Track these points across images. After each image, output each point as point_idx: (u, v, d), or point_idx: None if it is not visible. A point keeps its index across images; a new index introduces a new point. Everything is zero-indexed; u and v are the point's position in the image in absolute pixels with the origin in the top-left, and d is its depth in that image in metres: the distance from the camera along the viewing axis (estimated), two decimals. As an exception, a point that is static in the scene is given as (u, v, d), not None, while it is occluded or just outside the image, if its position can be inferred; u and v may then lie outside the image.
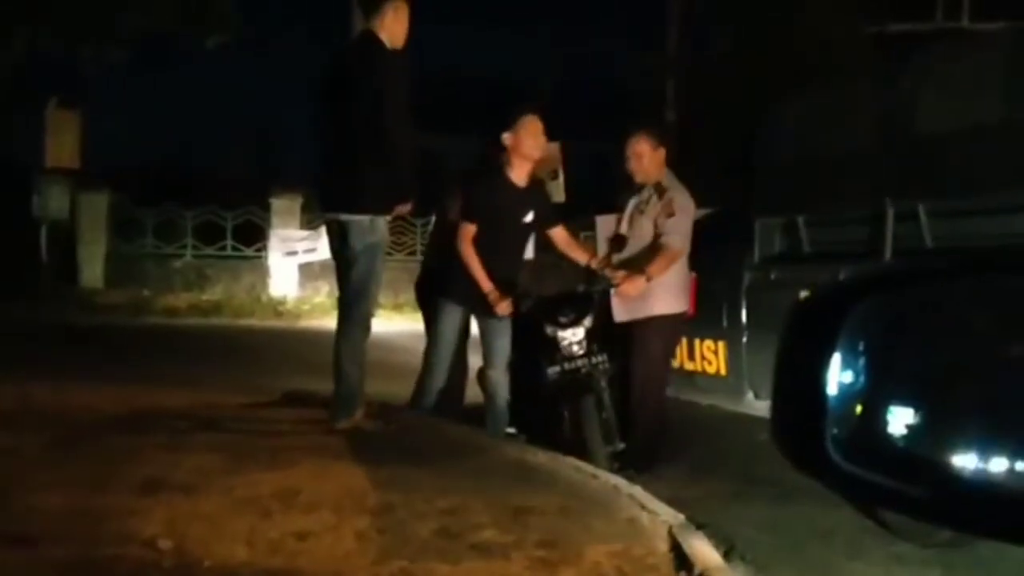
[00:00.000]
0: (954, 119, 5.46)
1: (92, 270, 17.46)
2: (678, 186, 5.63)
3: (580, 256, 5.79)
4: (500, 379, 5.46)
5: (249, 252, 18.17)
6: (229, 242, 18.07)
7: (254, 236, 18.14)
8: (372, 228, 4.97)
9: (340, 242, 5.09)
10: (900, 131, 5.76)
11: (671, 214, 5.46)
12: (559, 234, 5.74)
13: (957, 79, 5.44)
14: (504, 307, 5.37)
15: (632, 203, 5.63)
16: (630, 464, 5.17)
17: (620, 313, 5.51)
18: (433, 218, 7.20)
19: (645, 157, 5.55)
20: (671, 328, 5.58)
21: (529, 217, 5.54)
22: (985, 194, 4.79)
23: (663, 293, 5.44)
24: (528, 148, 5.44)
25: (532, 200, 5.56)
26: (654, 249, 5.45)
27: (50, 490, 3.73)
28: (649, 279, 5.32)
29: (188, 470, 4.12)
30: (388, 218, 5.12)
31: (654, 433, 5.50)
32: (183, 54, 17.13)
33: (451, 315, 5.51)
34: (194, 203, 18.07)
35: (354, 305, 5.06)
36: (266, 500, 3.71)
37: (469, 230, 5.40)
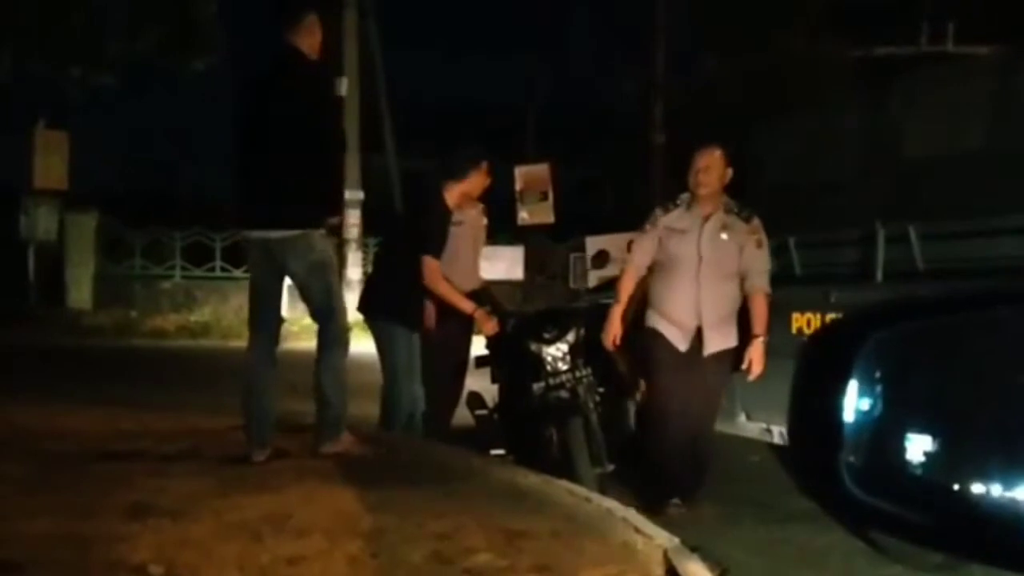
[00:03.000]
0: (942, 143, 5.50)
1: (79, 291, 17.36)
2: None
3: None
4: (421, 394, 5.58)
5: (238, 273, 18.06)
6: (218, 263, 18.00)
7: (243, 257, 17.99)
8: (309, 246, 4.85)
9: (268, 263, 4.92)
10: (889, 154, 5.79)
11: (759, 244, 5.11)
12: None
13: (945, 104, 5.49)
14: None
15: (710, 225, 5.09)
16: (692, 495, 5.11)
17: (713, 344, 5.08)
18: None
19: (717, 171, 5.08)
20: (735, 358, 5.16)
21: None
22: (974, 217, 4.82)
23: (735, 324, 5.14)
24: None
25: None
26: (754, 297, 5.07)
27: (37, 516, 3.68)
28: (766, 339, 5.01)
29: (177, 495, 4.07)
30: (322, 232, 4.95)
31: (709, 462, 5.28)
32: (170, 76, 17.10)
33: (403, 337, 5.52)
34: (183, 224, 18.02)
35: (325, 326, 4.97)
36: (256, 524, 3.67)
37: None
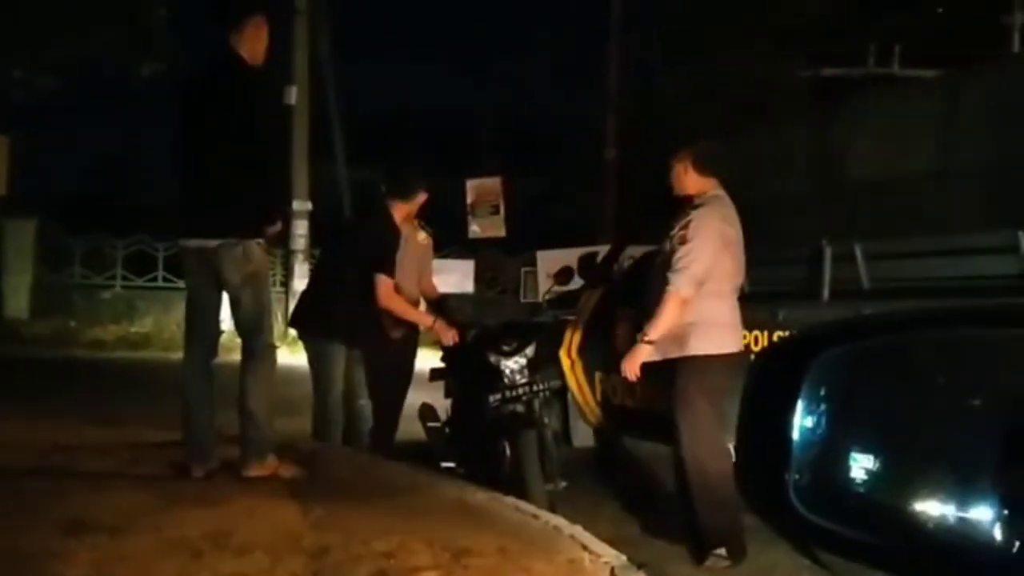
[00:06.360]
0: (887, 163, 5.59)
1: (17, 300, 16.97)
2: (715, 204, 4.59)
3: None
4: (369, 409, 5.69)
5: (181, 284, 17.76)
6: (160, 273, 17.70)
7: (187, 267, 17.74)
8: (247, 256, 4.75)
9: (205, 273, 4.81)
10: (836, 173, 5.87)
11: (684, 241, 4.46)
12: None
13: (891, 125, 5.58)
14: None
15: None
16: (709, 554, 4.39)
17: (651, 352, 4.56)
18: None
19: (676, 178, 4.67)
20: (713, 371, 4.42)
21: None
22: (920, 237, 4.89)
23: (702, 330, 4.47)
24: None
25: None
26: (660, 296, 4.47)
27: (-33, 531, 3.56)
28: (649, 342, 4.45)
29: (114, 510, 3.97)
30: (260, 242, 4.83)
31: (718, 503, 4.36)
32: (119, 82, 16.84)
33: (338, 354, 5.55)
34: (125, 232, 17.70)
35: (252, 341, 4.84)
36: (196, 541, 3.58)
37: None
